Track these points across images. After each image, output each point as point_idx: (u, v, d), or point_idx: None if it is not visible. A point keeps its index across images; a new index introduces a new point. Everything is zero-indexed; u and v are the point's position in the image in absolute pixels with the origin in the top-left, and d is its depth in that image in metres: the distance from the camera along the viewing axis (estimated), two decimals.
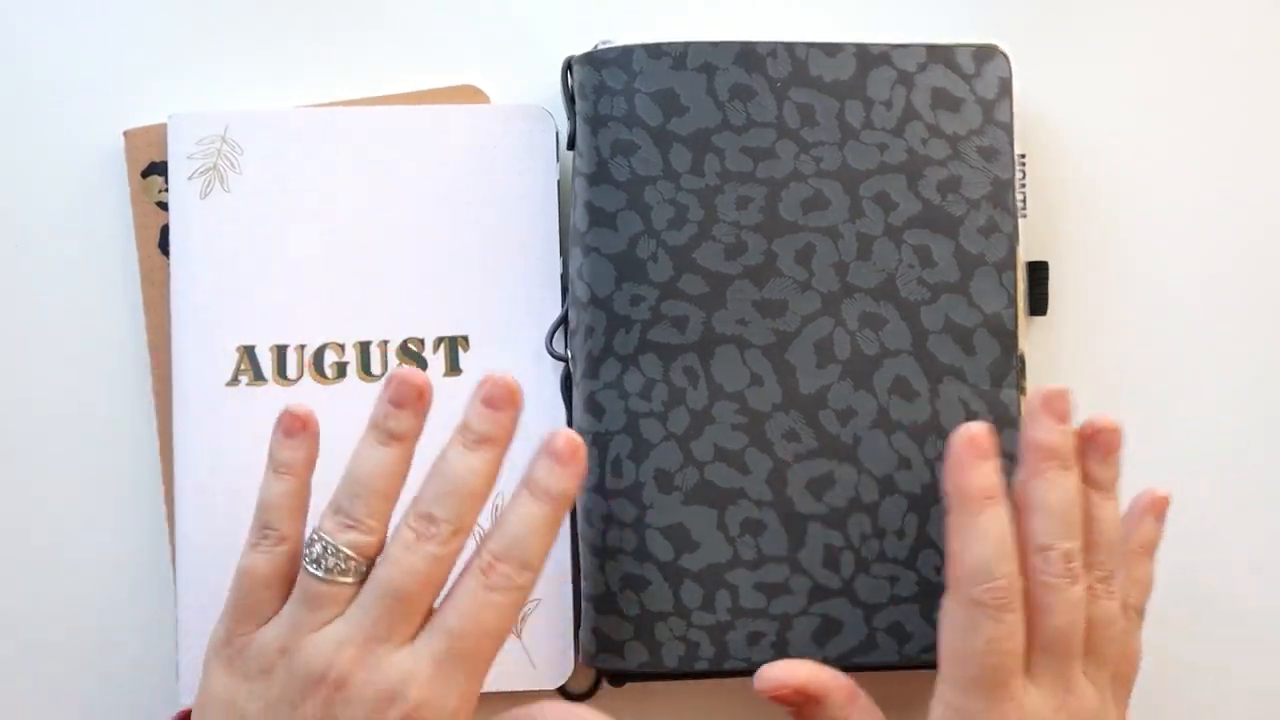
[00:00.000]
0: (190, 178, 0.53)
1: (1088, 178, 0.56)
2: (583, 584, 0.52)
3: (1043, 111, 0.56)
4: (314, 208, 0.53)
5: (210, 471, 0.52)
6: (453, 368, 0.53)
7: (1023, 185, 0.53)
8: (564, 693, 0.54)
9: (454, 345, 0.53)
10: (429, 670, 0.44)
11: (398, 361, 0.53)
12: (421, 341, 0.53)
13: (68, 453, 0.55)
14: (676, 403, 0.50)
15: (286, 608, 0.46)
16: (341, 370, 0.53)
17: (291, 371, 0.53)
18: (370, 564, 0.45)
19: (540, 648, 0.53)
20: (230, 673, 0.45)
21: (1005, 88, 0.51)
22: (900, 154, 0.51)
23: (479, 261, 0.53)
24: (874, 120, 0.51)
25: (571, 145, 0.52)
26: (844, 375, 0.51)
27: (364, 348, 0.53)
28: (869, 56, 0.51)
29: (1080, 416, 0.55)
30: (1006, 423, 0.51)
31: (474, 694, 0.45)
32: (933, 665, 0.52)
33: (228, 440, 0.52)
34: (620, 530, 0.50)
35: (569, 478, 0.45)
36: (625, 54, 0.51)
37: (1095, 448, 0.47)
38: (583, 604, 0.52)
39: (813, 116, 0.51)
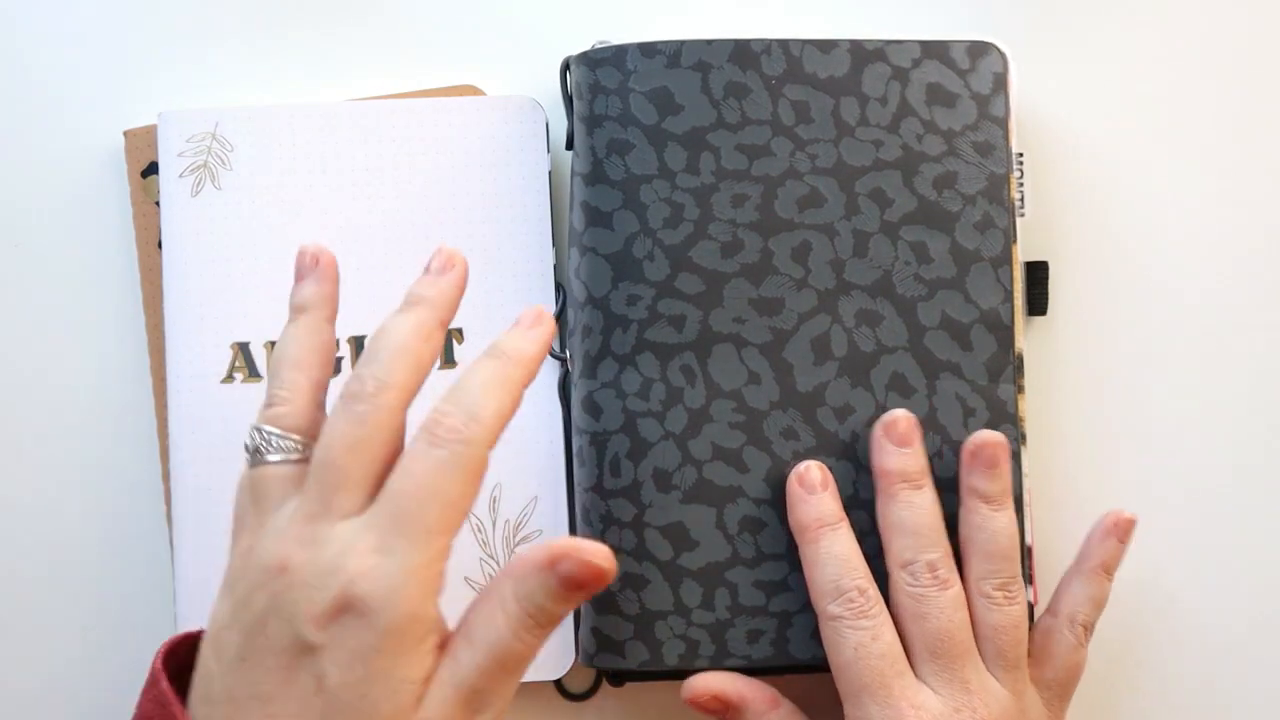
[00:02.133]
0: (181, 175, 0.53)
1: (1087, 178, 0.56)
2: None
3: (1042, 111, 0.56)
4: (306, 203, 0.53)
5: (207, 468, 0.53)
6: (448, 360, 0.54)
7: (1021, 185, 0.53)
8: (560, 688, 0.54)
9: (448, 338, 0.53)
10: (370, 540, 0.39)
11: None
12: None
13: (68, 451, 0.55)
14: (674, 402, 0.50)
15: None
16: (337, 365, 0.53)
17: None
18: (301, 441, 0.42)
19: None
20: (220, 596, 0.42)
21: (1000, 83, 0.51)
22: (895, 150, 0.51)
23: (470, 254, 0.52)
24: (869, 117, 0.51)
25: (570, 146, 0.52)
26: (841, 372, 0.51)
27: (358, 343, 0.53)
28: (863, 53, 0.51)
29: (1080, 416, 0.55)
30: (1005, 418, 0.51)
31: (427, 572, 0.39)
32: None
33: (223, 437, 0.53)
34: (619, 529, 0.50)
35: (530, 341, 0.43)
36: (620, 53, 0.51)
37: (978, 463, 0.49)
38: (582, 604, 0.51)
39: (808, 113, 0.51)
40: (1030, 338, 0.55)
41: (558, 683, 0.54)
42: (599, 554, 0.40)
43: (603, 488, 0.51)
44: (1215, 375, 0.56)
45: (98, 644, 0.55)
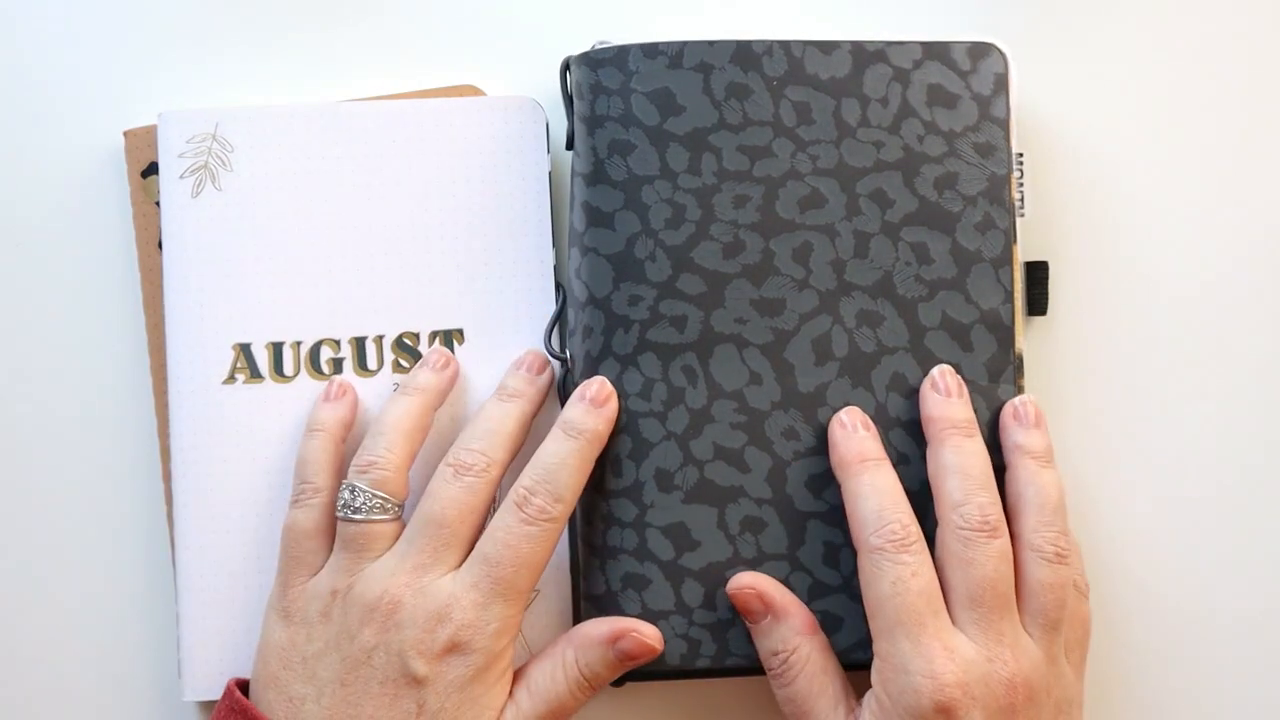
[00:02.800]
0: (182, 176, 0.53)
1: (1087, 178, 0.56)
2: (582, 584, 0.52)
3: (1042, 112, 0.56)
4: (306, 204, 0.53)
5: (208, 469, 0.53)
6: None
7: (1021, 185, 0.53)
8: None
9: (449, 339, 0.53)
10: (472, 596, 0.47)
11: (394, 357, 0.53)
12: (416, 336, 0.53)
13: (69, 451, 0.55)
14: (676, 402, 0.50)
15: (332, 557, 0.50)
16: (338, 366, 0.53)
17: (288, 369, 0.53)
18: (398, 503, 0.50)
19: (540, 641, 0.52)
20: (288, 623, 0.49)
21: (1001, 84, 0.51)
22: (897, 151, 0.51)
23: (471, 254, 0.53)
24: (870, 118, 0.51)
25: (570, 146, 0.52)
26: (842, 373, 0.51)
27: (359, 343, 0.53)
28: (864, 54, 0.51)
29: (1080, 416, 0.55)
30: None
31: (514, 621, 0.48)
32: None
33: (226, 438, 0.53)
34: (621, 529, 0.51)
35: (600, 418, 0.49)
36: (621, 54, 0.51)
37: (1019, 420, 0.50)
38: (582, 604, 0.52)
39: (809, 114, 0.51)
40: (1030, 338, 0.55)
41: None
42: (654, 636, 0.49)
43: (604, 488, 0.51)
44: (1215, 375, 0.56)
45: (99, 644, 0.55)
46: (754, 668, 0.50)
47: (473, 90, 0.54)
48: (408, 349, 0.53)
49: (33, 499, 0.55)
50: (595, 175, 0.51)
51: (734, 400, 0.51)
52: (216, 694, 0.51)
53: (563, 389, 0.53)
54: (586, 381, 0.50)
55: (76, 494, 0.55)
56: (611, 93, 0.51)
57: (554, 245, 0.54)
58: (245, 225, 0.53)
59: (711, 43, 0.51)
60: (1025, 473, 0.49)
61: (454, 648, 0.47)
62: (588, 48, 0.52)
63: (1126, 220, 0.56)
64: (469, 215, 0.53)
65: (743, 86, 0.51)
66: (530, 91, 0.54)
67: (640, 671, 0.51)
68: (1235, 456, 0.55)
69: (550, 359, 0.53)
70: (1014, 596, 0.47)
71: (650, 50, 0.51)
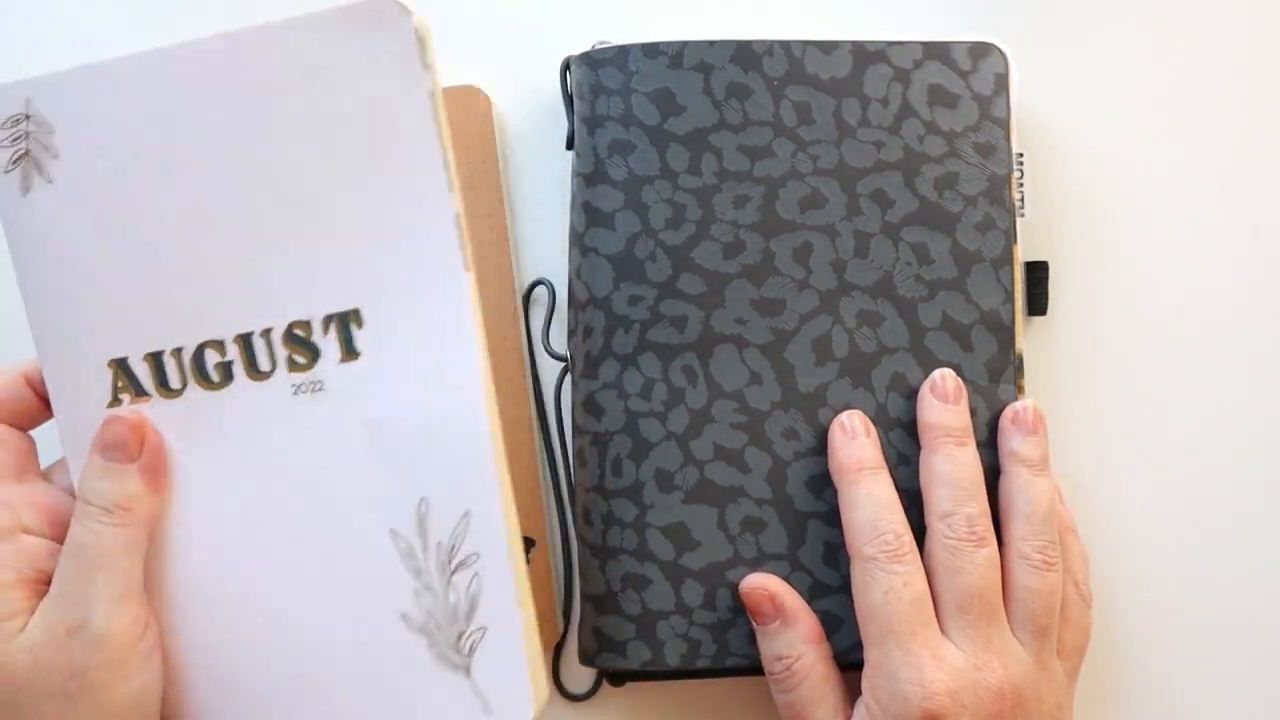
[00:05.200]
0: (6, 171, 0.45)
1: (1088, 178, 0.56)
2: (581, 584, 0.52)
3: (1043, 112, 0.56)
4: (150, 181, 0.44)
5: None
6: (349, 351, 0.45)
7: (1021, 185, 0.53)
8: (560, 688, 0.54)
9: (345, 323, 0.45)
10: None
11: (287, 353, 0.45)
12: (308, 324, 0.45)
13: None
14: (676, 402, 0.50)
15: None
16: (228, 371, 0.45)
17: (174, 381, 0.45)
18: None
19: (494, 687, 0.44)
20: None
21: (1001, 83, 0.51)
22: (897, 151, 0.51)
23: (353, 215, 0.44)
24: (870, 118, 0.51)
25: (570, 145, 0.52)
26: (842, 373, 0.51)
27: (246, 341, 0.45)
28: (865, 54, 0.51)
29: (1080, 416, 0.55)
30: None
31: None
32: None
33: None
34: (621, 530, 0.50)
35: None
36: (621, 53, 0.51)
37: (1018, 427, 0.50)
38: (581, 604, 0.52)
39: (809, 114, 0.51)
40: (1030, 338, 0.55)
41: (558, 683, 0.54)
42: None
43: (604, 488, 0.51)
44: (1215, 375, 0.56)
45: None
46: (754, 668, 0.50)
47: (473, 90, 0.54)
48: (300, 341, 0.45)
49: None
50: (595, 175, 0.51)
51: (734, 400, 0.51)
52: None
53: (557, 389, 0.53)
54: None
55: None
56: (612, 93, 0.51)
57: (450, 191, 0.44)
58: (88, 218, 0.44)
59: (711, 43, 0.51)
60: (1018, 480, 0.49)
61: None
62: (588, 48, 0.52)
63: (1126, 220, 0.56)
64: (342, 161, 0.44)
65: (743, 86, 0.51)
66: (530, 91, 0.54)
67: (640, 671, 0.51)
68: (1235, 456, 0.55)
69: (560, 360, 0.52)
70: (1001, 604, 0.48)
71: (650, 50, 0.51)
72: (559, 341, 0.54)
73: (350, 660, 0.45)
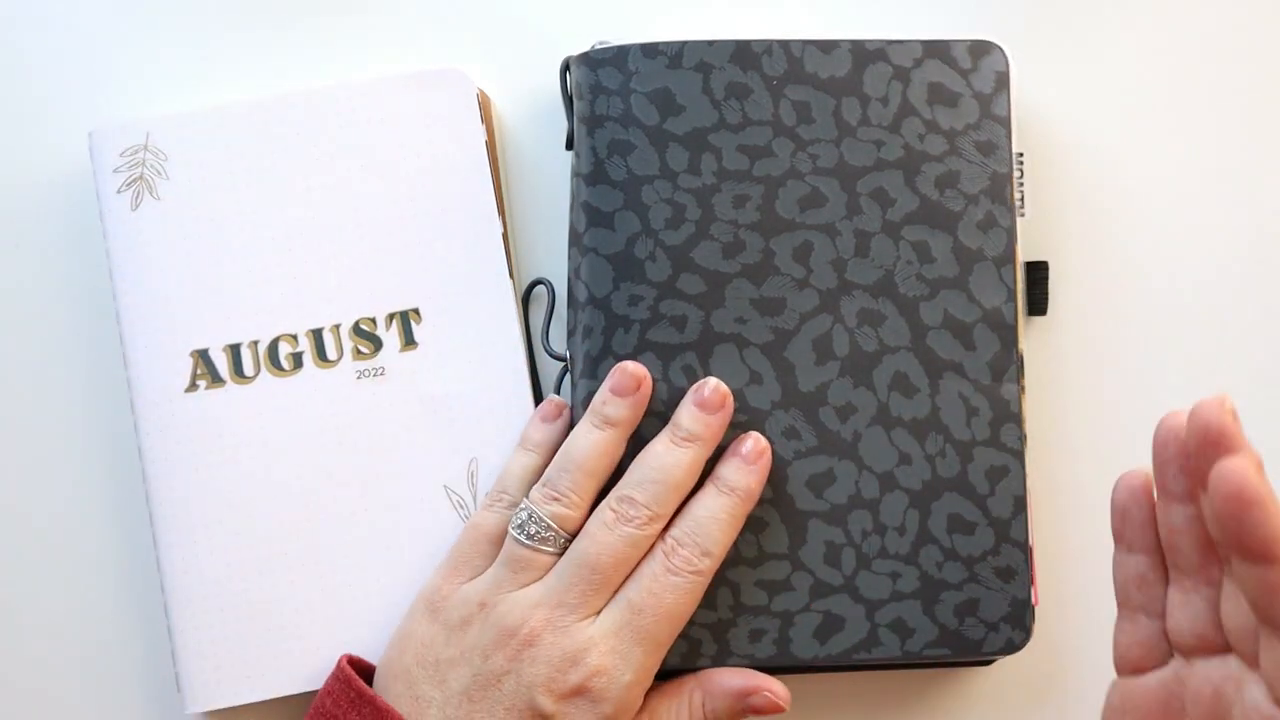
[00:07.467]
0: (119, 191, 0.53)
1: (1088, 177, 0.56)
2: None
3: (1043, 111, 0.56)
4: (246, 202, 0.53)
5: (183, 479, 0.52)
6: (408, 342, 0.53)
7: (1021, 184, 0.53)
8: None
9: (406, 319, 0.53)
10: (610, 642, 0.48)
11: (353, 344, 0.53)
12: (373, 320, 0.53)
13: (55, 467, 0.55)
14: (676, 402, 0.50)
15: (491, 568, 0.50)
16: (298, 361, 0.53)
17: (248, 369, 0.53)
18: (570, 537, 0.49)
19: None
20: (432, 620, 0.49)
21: (1002, 82, 0.51)
22: (897, 150, 0.51)
23: (417, 231, 0.53)
24: (870, 117, 0.51)
25: (570, 145, 0.52)
26: (843, 372, 0.51)
27: (317, 335, 0.53)
28: (865, 53, 0.51)
29: (1080, 416, 0.55)
30: (1007, 418, 0.50)
31: (650, 671, 0.48)
32: (935, 662, 0.52)
33: (196, 445, 0.52)
34: None
35: (754, 476, 0.49)
36: (621, 54, 0.51)
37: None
38: None
39: (809, 114, 0.51)
40: (1030, 338, 0.55)
41: None
42: (784, 697, 0.49)
43: (606, 487, 0.51)
44: (1215, 375, 0.55)
45: (92, 660, 0.55)
46: (754, 668, 0.50)
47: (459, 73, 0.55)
48: (365, 334, 0.53)
49: (18, 512, 0.55)
50: (595, 175, 0.51)
51: (734, 400, 0.50)
52: (221, 703, 0.51)
53: (557, 388, 0.53)
54: (745, 435, 0.50)
55: (60, 510, 0.55)
56: (611, 93, 0.51)
57: (500, 215, 0.53)
58: (188, 231, 0.53)
59: (711, 42, 0.51)
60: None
61: (583, 691, 0.47)
62: (588, 48, 0.52)
63: (1126, 220, 0.56)
64: (410, 192, 0.53)
65: (742, 86, 0.51)
66: (530, 91, 0.54)
67: None
68: None
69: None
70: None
71: (650, 50, 0.51)
72: (559, 341, 0.54)
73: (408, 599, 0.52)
